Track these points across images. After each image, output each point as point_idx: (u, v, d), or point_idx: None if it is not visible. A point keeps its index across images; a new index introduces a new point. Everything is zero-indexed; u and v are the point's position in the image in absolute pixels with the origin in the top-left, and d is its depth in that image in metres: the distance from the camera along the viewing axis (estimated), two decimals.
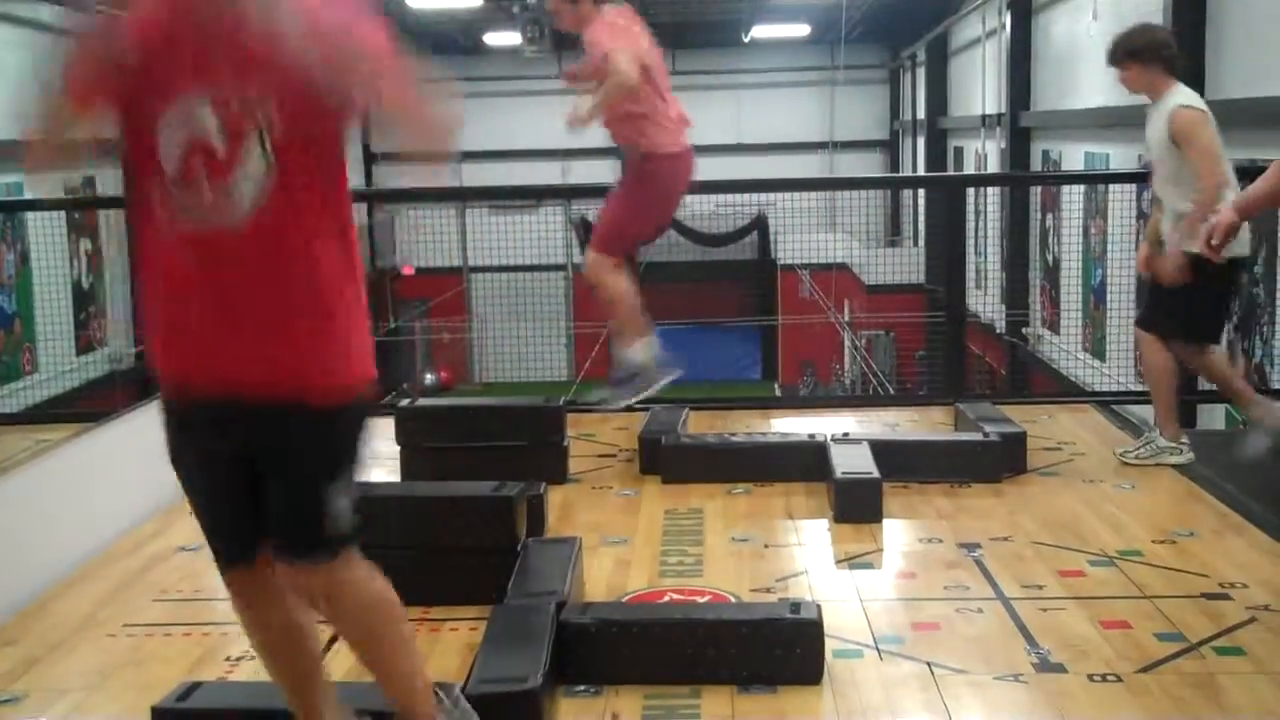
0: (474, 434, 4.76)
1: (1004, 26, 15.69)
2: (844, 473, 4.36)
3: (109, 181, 7.88)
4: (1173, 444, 4.90)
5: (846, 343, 20.06)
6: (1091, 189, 11.52)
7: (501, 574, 3.38)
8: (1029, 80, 15.22)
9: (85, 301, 11.62)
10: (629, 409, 5.20)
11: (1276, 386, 8.48)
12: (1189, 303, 4.78)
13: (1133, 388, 5.38)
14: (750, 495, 4.62)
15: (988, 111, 16.72)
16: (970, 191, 15.18)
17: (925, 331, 15.86)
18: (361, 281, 2.39)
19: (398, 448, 4.80)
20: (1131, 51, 4.86)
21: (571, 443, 4.99)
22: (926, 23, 20.43)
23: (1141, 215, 9.26)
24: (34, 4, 9.97)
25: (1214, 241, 3.86)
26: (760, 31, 22.39)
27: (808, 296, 19.65)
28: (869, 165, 25.49)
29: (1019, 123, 15.29)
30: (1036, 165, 14.93)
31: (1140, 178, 6.76)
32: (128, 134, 2.26)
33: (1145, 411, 5.47)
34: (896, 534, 4.20)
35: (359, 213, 19.39)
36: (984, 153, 17.06)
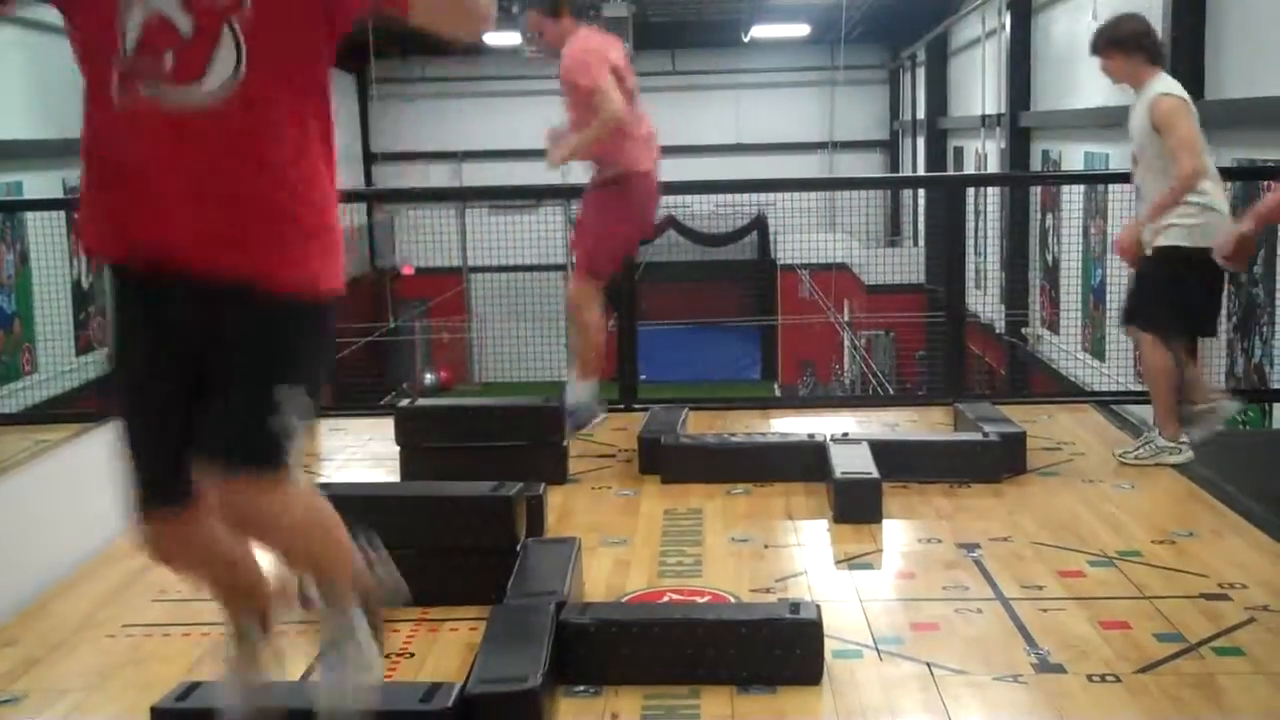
0: (473, 434, 4.76)
1: (1004, 26, 15.69)
2: (843, 473, 4.36)
3: None
4: (1172, 444, 4.90)
5: (846, 343, 20.06)
6: (1091, 189, 11.50)
7: (501, 574, 3.38)
8: (1029, 80, 15.22)
9: (85, 301, 11.61)
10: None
11: (1277, 386, 8.50)
12: (1181, 297, 4.80)
13: (1132, 388, 5.38)
14: (750, 495, 4.62)
15: (988, 111, 16.73)
16: (970, 191, 15.13)
17: (925, 331, 15.84)
18: (335, 206, 2.33)
19: (397, 448, 4.81)
20: (1114, 40, 4.88)
21: (571, 443, 4.99)
22: (926, 23, 20.43)
23: None
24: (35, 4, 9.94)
25: (1226, 254, 3.88)
26: (760, 31, 22.38)
27: (807, 296, 19.65)
28: (869, 165, 25.48)
29: (1019, 123, 15.29)
30: (1036, 165, 14.94)
31: None
32: (81, 10, 2.22)
33: (1145, 411, 5.47)
34: (896, 534, 4.21)
35: (359, 213, 19.50)
36: (984, 153, 17.07)
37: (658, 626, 3.08)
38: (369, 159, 25.15)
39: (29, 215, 9.85)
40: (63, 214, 8.33)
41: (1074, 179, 13.00)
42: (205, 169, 2.18)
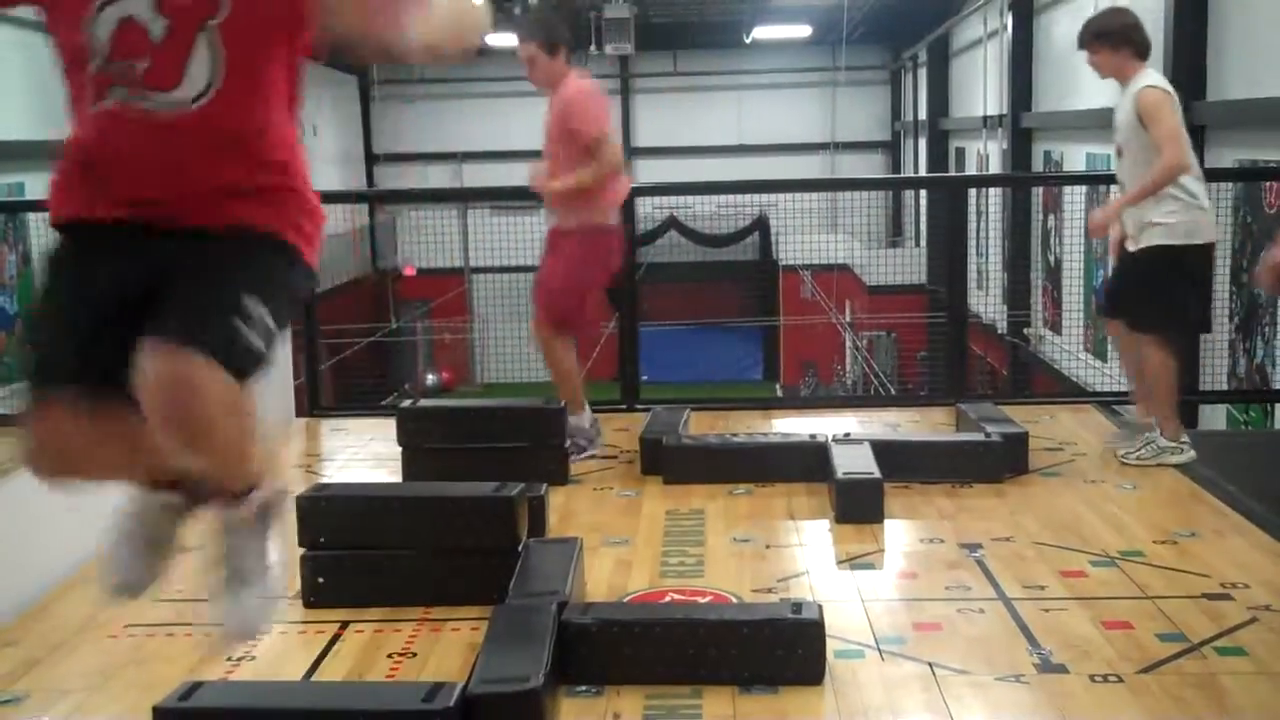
0: (475, 435, 4.76)
1: (1005, 27, 15.69)
2: (845, 473, 4.36)
3: None
4: (1173, 443, 4.90)
5: (848, 343, 20.06)
6: (1093, 190, 11.47)
7: (503, 574, 3.38)
8: (1030, 81, 15.23)
9: None
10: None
11: (1278, 386, 8.50)
12: (1169, 297, 4.81)
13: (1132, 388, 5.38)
14: (751, 496, 4.62)
15: (989, 112, 16.73)
16: (972, 192, 15.16)
17: (927, 332, 15.86)
18: (307, 176, 2.33)
19: (399, 448, 4.81)
20: (1099, 34, 4.89)
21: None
22: (928, 24, 20.44)
23: None
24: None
25: (1266, 287, 3.86)
26: (761, 32, 22.40)
27: (809, 297, 19.66)
28: (870, 166, 25.51)
29: (1020, 124, 15.30)
30: (1038, 166, 14.94)
31: None
32: (52, 10, 2.19)
33: None
34: (898, 534, 4.20)
35: (361, 214, 19.49)
36: (985, 153, 17.07)
37: (659, 627, 3.08)
38: (370, 160, 25.19)
39: (30, 216, 9.85)
40: None
41: (1075, 180, 12.99)
42: (185, 163, 2.18)
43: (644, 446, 4.94)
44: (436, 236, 17.52)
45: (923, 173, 22.04)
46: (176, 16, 2.11)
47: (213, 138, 2.18)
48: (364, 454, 5.48)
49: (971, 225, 15.94)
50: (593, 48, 19.73)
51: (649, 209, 18.68)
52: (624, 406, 6.10)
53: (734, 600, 3.58)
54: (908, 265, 17.75)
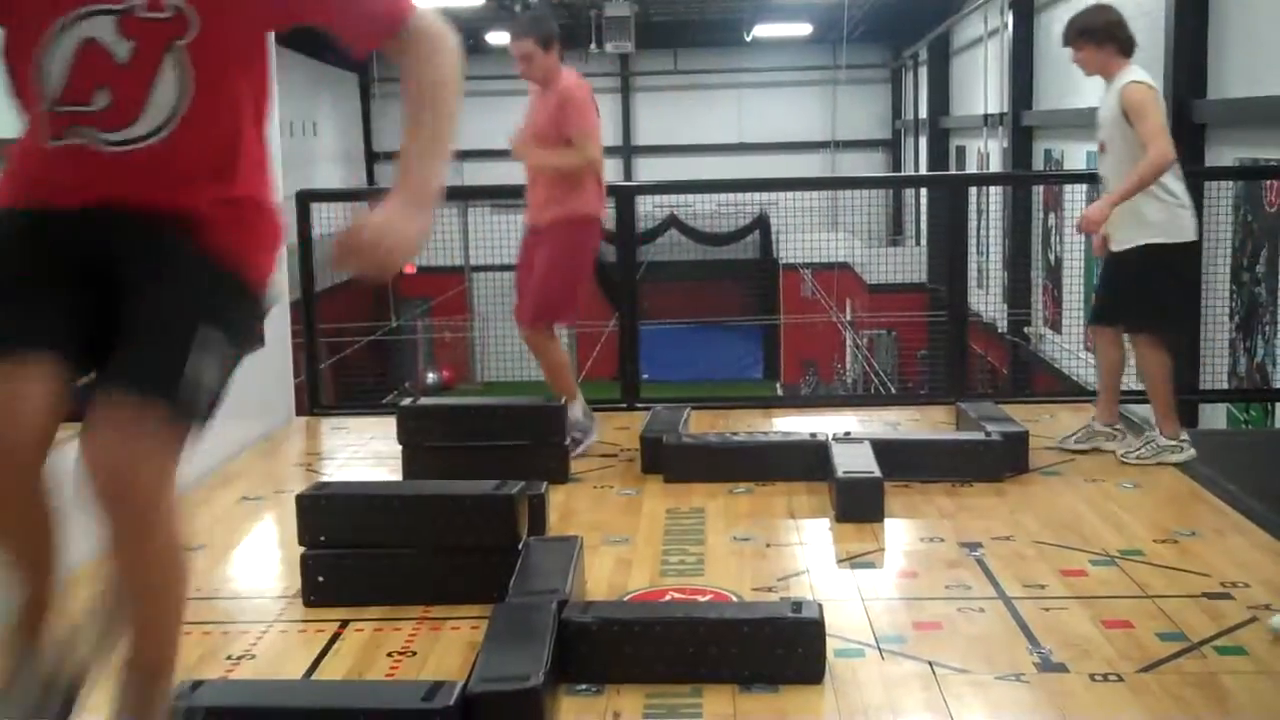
0: (476, 433, 4.76)
1: (1006, 26, 15.69)
2: (845, 472, 4.36)
3: None
4: (1173, 442, 4.90)
5: (848, 342, 20.07)
6: (1093, 188, 11.49)
7: (503, 573, 3.38)
8: (1031, 79, 15.22)
9: None
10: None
11: (1278, 385, 8.50)
12: (1154, 296, 4.82)
13: (1133, 387, 5.38)
14: (752, 494, 4.62)
15: (990, 111, 16.73)
16: (972, 191, 15.15)
17: (927, 331, 15.86)
18: (271, 185, 2.25)
19: (400, 446, 4.81)
20: (1084, 31, 4.90)
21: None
22: (928, 22, 20.44)
23: None
24: None
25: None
26: (762, 31, 22.42)
27: (810, 296, 19.65)
28: (871, 164, 25.51)
29: (1021, 122, 15.29)
30: (1039, 164, 14.94)
31: None
32: (16, 39, 2.06)
33: (1145, 411, 5.46)
34: (898, 533, 4.20)
35: (360, 213, 19.56)
36: (986, 152, 17.07)
37: (660, 625, 3.08)
38: (371, 158, 25.18)
39: None
40: None
41: (1076, 178, 12.97)
42: (148, 192, 2.09)
43: (644, 445, 4.94)
44: (437, 234, 17.50)
45: (923, 171, 22.05)
46: (143, 38, 2.00)
47: (178, 169, 2.08)
48: (364, 452, 5.48)
49: (972, 224, 15.92)
50: (593, 45, 19.74)
51: (649, 207, 18.67)
52: (624, 405, 6.11)
53: (734, 599, 3.58)
54: (908, 264, 17.75)
